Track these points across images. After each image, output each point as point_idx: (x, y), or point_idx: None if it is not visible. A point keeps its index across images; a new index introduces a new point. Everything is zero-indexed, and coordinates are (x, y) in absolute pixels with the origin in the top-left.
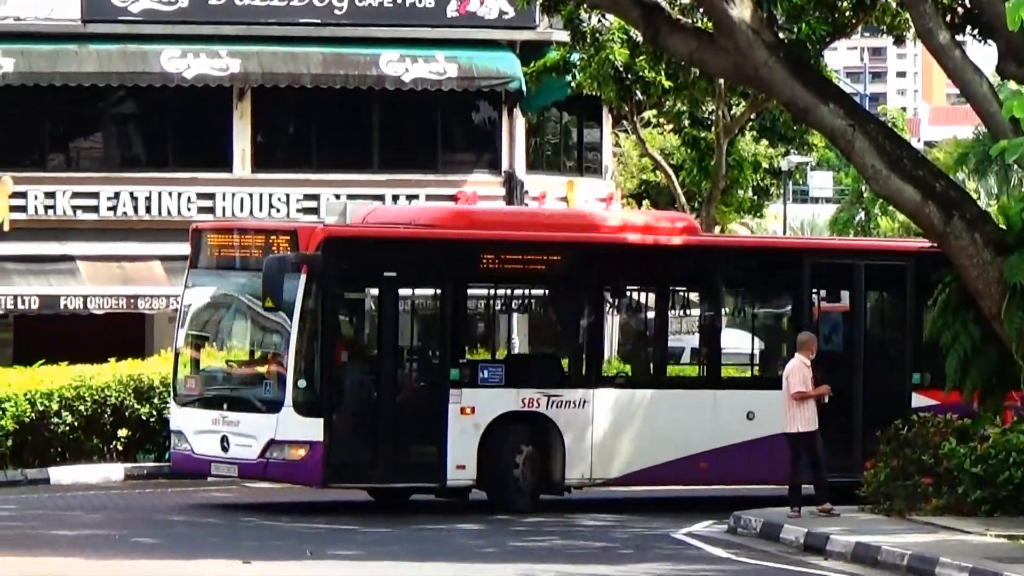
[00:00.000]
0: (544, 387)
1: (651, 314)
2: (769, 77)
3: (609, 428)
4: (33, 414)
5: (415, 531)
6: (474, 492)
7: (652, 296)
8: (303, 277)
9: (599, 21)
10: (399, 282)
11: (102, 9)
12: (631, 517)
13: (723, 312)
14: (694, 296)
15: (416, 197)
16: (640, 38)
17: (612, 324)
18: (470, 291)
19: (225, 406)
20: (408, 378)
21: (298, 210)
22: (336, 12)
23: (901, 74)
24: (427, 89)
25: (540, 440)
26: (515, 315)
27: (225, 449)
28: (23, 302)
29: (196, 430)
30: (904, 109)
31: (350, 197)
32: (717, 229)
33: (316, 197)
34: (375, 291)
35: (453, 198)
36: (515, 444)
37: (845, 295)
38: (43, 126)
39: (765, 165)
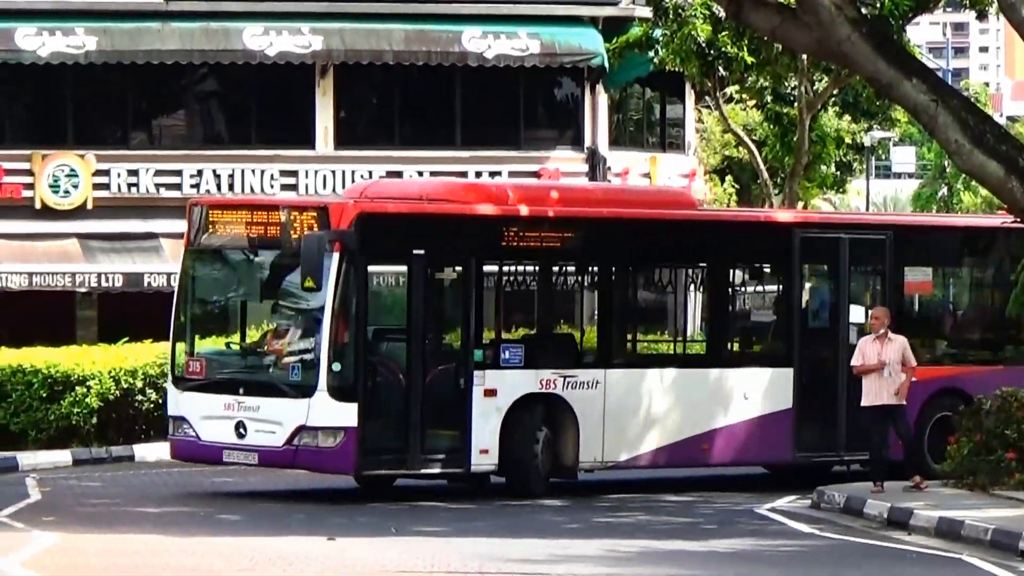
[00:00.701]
0: (560, 368)
1: (652, 291)
2: (852, 52)
3: (619, 409)
4: (117, 392)
5: (498, 508)
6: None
7: (658, 273)
8: (336, 255)
9: None
10: (428, 261)
11: None
12: (714, 493)
13: (725, 289)
14: (700, 272)
15: (499, 174)
16: (723, 14)
17: (619, 302)
18: (493, 269)
19: (241, 391)
20: (436, 360)
21: None
22: None
23: (984, 49)
24: (509, 66)
25: (555, 423)
26: (534, 293)
27: (241, 436)
28: (107, 280)
29: (203, 416)
30: (987, 84)
31: (432, 174)
32: (800, 205)
33: (399, 174)
34: (405, 270)
35: (536, 174)
36: (535, 427)
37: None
38: (126, 104)
39: (848, 140)
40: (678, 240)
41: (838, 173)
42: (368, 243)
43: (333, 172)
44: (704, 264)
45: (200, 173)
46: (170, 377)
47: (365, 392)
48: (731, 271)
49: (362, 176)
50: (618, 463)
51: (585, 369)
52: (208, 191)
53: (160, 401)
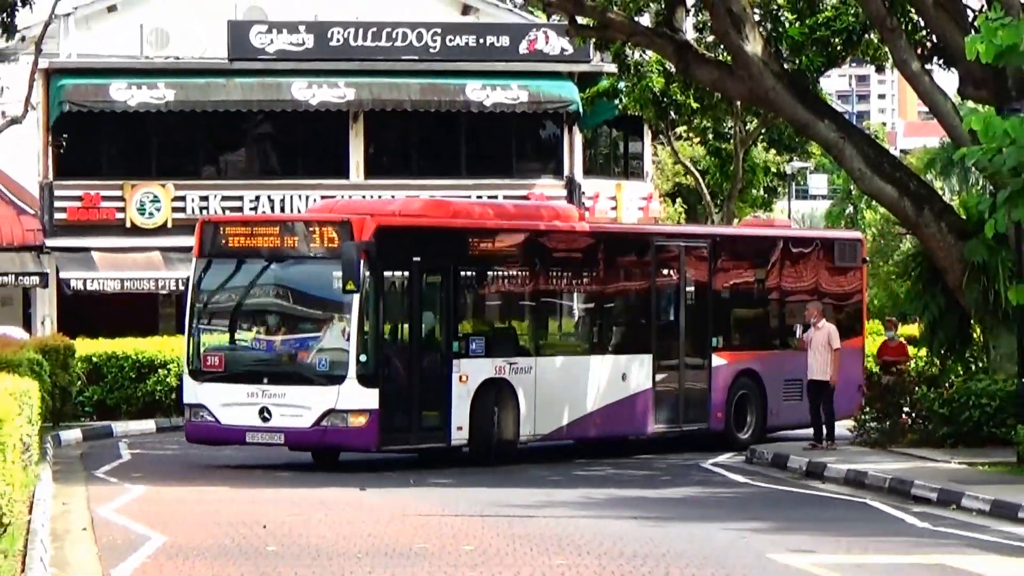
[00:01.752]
0: (507, 356)
1: (562, 287)
2: (776, 100)
3: (545, 390)
4: None
5: (498, 468)
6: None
7: (564, 273)
8: (362, 262)
9: (640, 56)
10: (422, 266)
11: (245, 50)
12: (669, 452)
13: (606, 287)
14: (594, 273)
15: (495, 197)
16: (673, 69)
17: (539, 298)
18: (464, 273)
19: (266, 380)
20: (428, 351)
21: None
22: (431, 50)
23: (881, 96)
24: (503, 111)
25: (503, 403)
26: (488, 293)
27: (266, 419)
28: (183, 284)
29: (224, 403)
30: (884, 124)
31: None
32: (735, 221)
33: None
34: (407, 274)
35: (525, 198)
36: (492, 406)
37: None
38: (197, 144)
39: (773, 169)
40: (571, 248)
41: (766, 196)
42: (384, 252)
43: (363, 196)
44: (596, 267)
45: (257, 199)
46: (186, 370)
47: (383, 379)
48: (612, 272)
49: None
50: (546, 436)
51: (523, 357)
52: (264, 212)
53: None
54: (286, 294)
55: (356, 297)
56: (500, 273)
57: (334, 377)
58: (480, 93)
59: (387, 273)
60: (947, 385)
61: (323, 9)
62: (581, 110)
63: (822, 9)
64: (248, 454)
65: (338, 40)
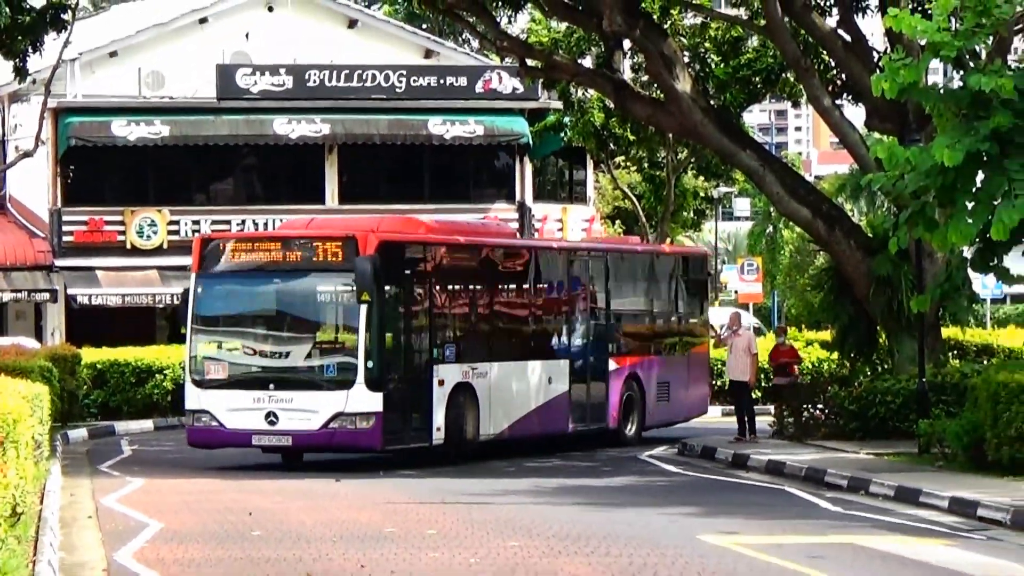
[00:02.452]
0: (471, 361)
1: (508, 300)
2: (704, 132)
3: (498, 393)
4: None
5: (458, 462)
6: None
7: (506, 284)
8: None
9: (583, 93)
10: (411, 277)
11: (231, 90)
12: (576, 450)
13: (540, 295)
14: (529, 283)
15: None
16: (612, 105)
17: (488, 307)
18: (441, 284)
19: (272, 386)
20: (416, 357)
21: None
22: (397, 90)
23: (798, 128)
24: (462, 144)
25: (467, 404)
26: (458, 303)
27: (272, 423)
28: (177, 299)
29: (229, 408)
30: (800, 153)
31: None
32: (667, 240)
33: None
34: (401, 285)
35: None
36: (462, 408)
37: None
38: (190, 174)
39: (702, 194)
40: (507, 261)
41: (695, 217)
42: (384, 265)
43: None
44: (530, 278)
45: (243, 223)
46: (188, 378)
47: (385, 384)
48: (541, 283)
49: None
50: (497, 434)
51: (482, 362)
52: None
53: None
54: (291, 305)
55: (364, 307)
56: (469, 284)
57: (342, 382)
58: (441, 128)
59: (386, 286)
60: (856, 384)
61: (301, 53)
62: (531, 142)
63: (744, 52)
64: (234, 453)
65: (315, 81)
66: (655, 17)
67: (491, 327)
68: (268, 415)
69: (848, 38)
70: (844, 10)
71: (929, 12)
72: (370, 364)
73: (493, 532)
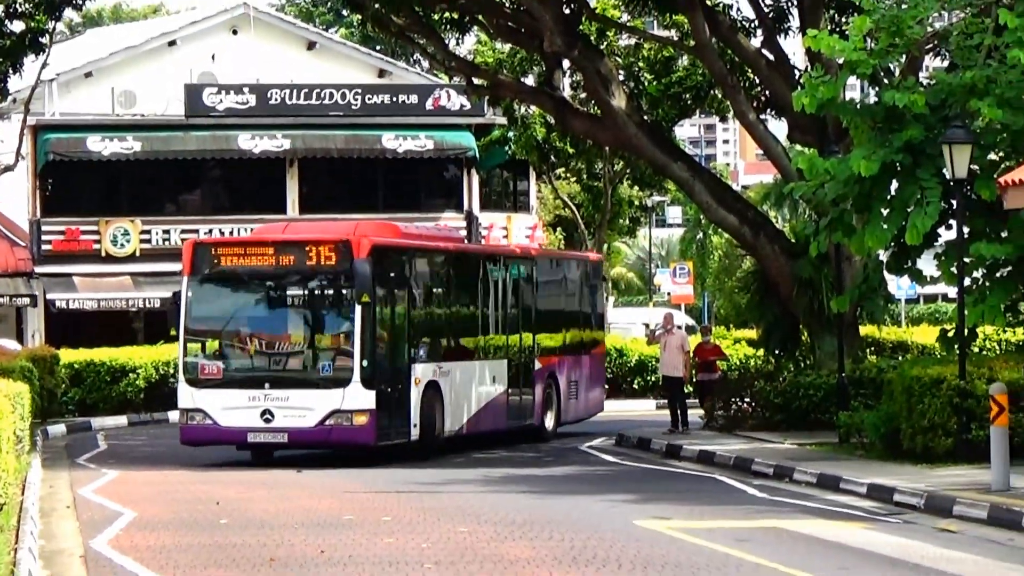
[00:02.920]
0: (437, 361)
1: (464, 303)
2: (638, 145)
3: (456, 391)
4: (157, 376)
5: (413, 453)
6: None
7: (469, 287)
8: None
9: (526, 110)
10: (395, 280)
11: (199, 108)
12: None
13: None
14: (480, 285)
15: None
16: (553, 121)
17: (445, 308)
18: (417, 285)
19: (267, 385)
20: (400, 356)
21: None
22: (353, 107)
23: (725, 141)
24: (413, 157)
25: (436, 402)
26: (429, 303)
27: (268, 421)
28: (150, 302)
29: (224, 407)
30: (728, 164)
31: None
32: (605, 247)
33: None
34: (388, 287)
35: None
36: (432, 405)
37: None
38: (160, 187)
39: (637, 203)
40: (467, 265)
41: (630, 225)
42: (375, 268)
43: None
44: (484, 281)
45: (211, 231)
46: (182, 378)
47: (378, 383)
48: (491, 286)
49: None
50: (457, 431)
51: (446, 361)
52: None
53: None
54: (286, 306)
55: (359, 308)
56: (438, 287)
57: (339, 380)
58: (394, 142)
59: (377, 287)
60: (781, 379)
61: (263, 74)
62: (477, 155)
63: (675, 70)
64: (205, 448)
65: (276, 99)
66: (592, 38)
67: (452, 328)
68: (264, 413)
69: (771, 57)
70: (768, 31)
71: (846, 33)
72: (365, 363)
73: (444, 519)
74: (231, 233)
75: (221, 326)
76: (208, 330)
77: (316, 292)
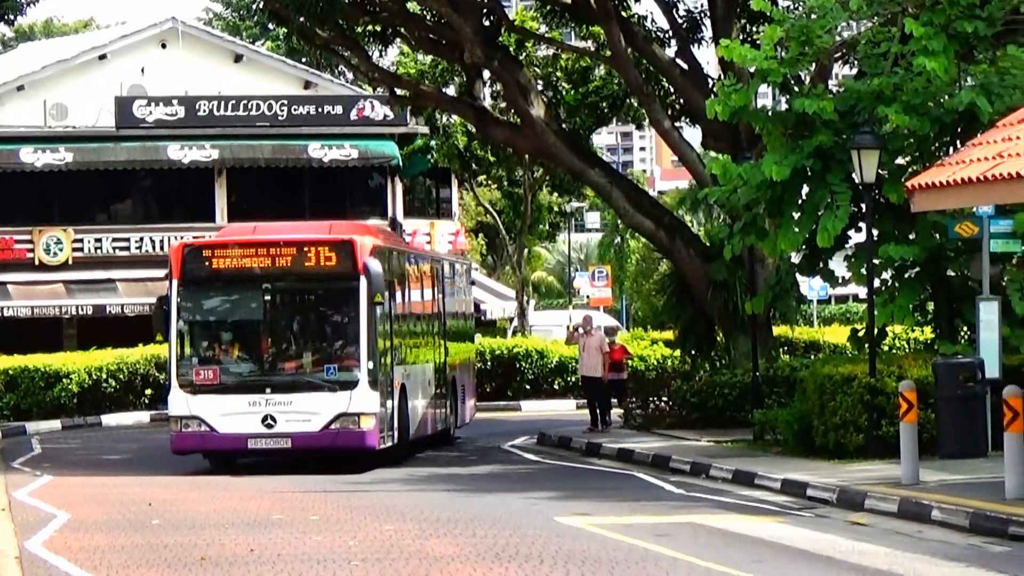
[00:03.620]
0: (404, 365)
1: (419, 307)
2: (557, 153)
3: (415, 394)
4: (89, 381)
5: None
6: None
7: (422, 291)
8: (363, 279)
9: (447, 119)
10: (387, 282)
11: (129, 120)
12: (475, 436)
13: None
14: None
15: None
16: (474, 129)
17: (401, 311)
18: (398, 288)
19: (269, 390)
20: (391, 359)
21: None
22: (279, 118)
23: (642, 148)
24: (339, 166)
25: (404, 404)
26: (402, 307)
27: (270, 426)
28: (82, 310)
29: (222, 413)
30: (644, 171)
31: None
32: (526, 251)
33: None
34: (386, 291)
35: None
36: (404, 407)
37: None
38: (92, 196)
39: (556, 208)
40: (428, 270)
41: (550, 230)
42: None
43: None
44: (433, 286)
45: (142, 239)
46: (175, 384)
47: (379, 385)
48: (435, 290)
49: None
50: (414, 432)
51: (408, 365)
52: (147, 251)
53: (117, 386)
54: (286, 308)
55: (364, 310)
56: (409, 290)
57: (345, 383)
58: (319, 151)
59: (380, 290)
60: (697, 379)
61: (192, 86)
62: (401, 164)
63: (592, 80)
64: (139, 451)
65: (204, 111)
66: (511, 49)
67: (413, 332)
68: (265, 418)
69: (685, 66)
70: (681, 41)
71: (758, 42)
72: (371, 365)
73: (370, 517)
74: (161, 242)
75: (217, 330)
76: (203, 334)
77: (317, 293)
